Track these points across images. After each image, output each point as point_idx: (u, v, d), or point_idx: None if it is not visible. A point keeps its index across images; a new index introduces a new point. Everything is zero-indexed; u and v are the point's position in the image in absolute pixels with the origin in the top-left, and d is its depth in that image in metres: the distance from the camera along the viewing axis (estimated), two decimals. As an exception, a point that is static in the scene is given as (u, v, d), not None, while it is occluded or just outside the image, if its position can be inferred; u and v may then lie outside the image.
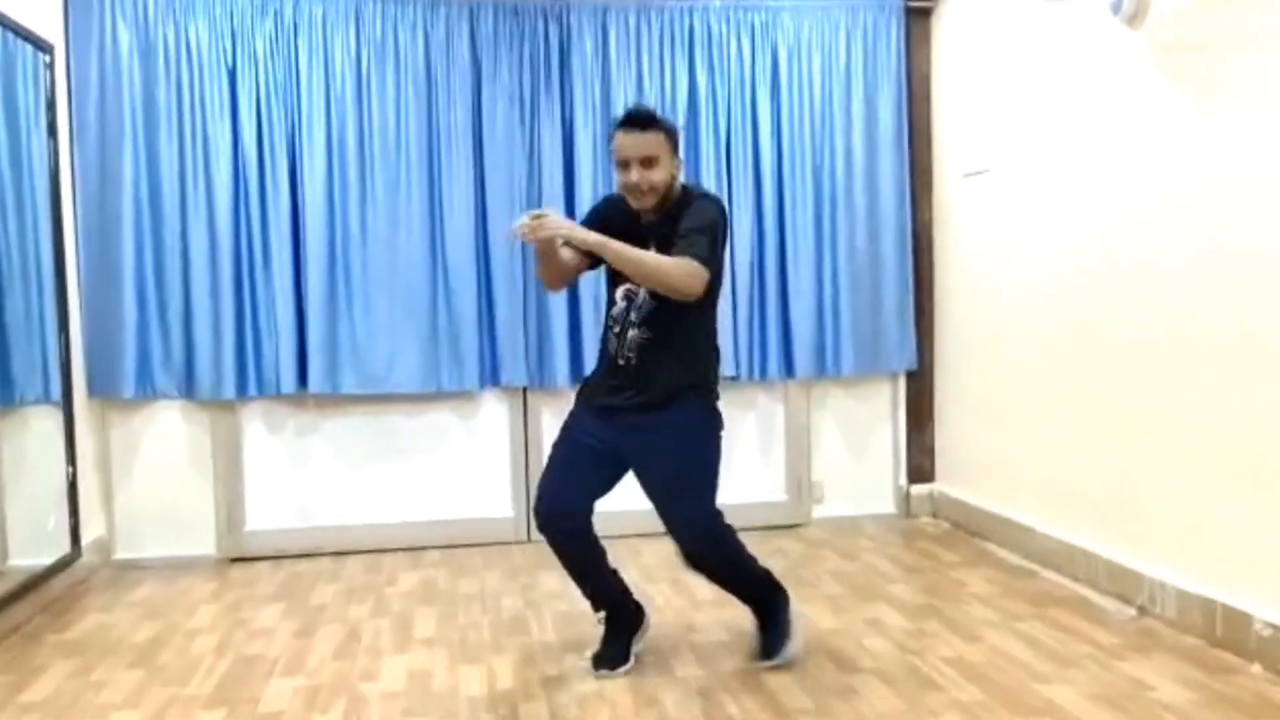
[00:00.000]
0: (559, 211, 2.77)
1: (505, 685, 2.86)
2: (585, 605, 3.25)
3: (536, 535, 4.31)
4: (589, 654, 2.97)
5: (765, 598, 2.97)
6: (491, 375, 4.35)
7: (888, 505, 4.76)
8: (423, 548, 4.34)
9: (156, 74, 4.05)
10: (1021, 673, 2.83)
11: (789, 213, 4.48)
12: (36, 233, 3.68)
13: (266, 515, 4.30)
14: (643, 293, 2.77)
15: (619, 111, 3.10)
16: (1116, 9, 3.30)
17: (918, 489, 4.74)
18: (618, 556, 2.95)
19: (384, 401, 4.33)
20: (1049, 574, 3.74)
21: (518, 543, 4.42)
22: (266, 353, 4.16)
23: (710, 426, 2.85)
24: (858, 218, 4.53)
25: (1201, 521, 3.09)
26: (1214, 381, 3.02)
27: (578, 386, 3.14)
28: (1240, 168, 2.90)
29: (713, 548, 2.84)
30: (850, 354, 4.55)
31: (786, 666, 2.91)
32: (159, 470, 4.21)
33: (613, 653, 2.92)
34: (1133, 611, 3.29)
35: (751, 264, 4.45)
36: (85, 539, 3.92)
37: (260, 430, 4.31)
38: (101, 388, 4.06)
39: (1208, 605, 3.02)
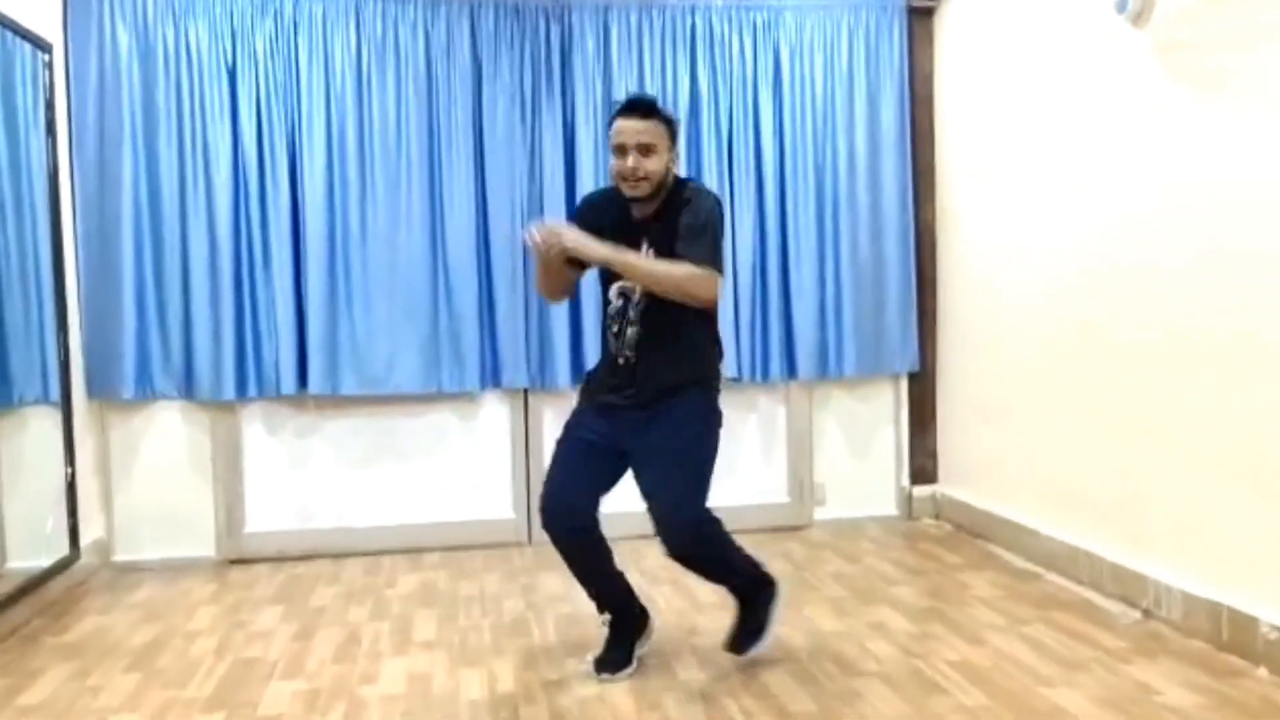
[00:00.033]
0: (565, 224, 2.75)
1: (506, 688, 2.84)
2: (587, 607, 3.23)
3: (538, 537, 4.34)
4: (590, 657, 2.95)
5: (749, 591, 2.94)
6: (492, 376, 4.33)
7: (890, 507, 4.74)
8: (423, 550, 4.32)
9: (156, 73, 4.03)
10: (1027, 677, 2.81)
11: (791, 213, 4.46)
12: (35, 233, 3.66)
13: (266, 517, 4.28)
14: (638, 290, 2.76)
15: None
16: (1121, 8, 3.28)
17: (920, 491, 4.72)
18: (620, 558, 2.92)
19: (384, 402, 4.31)
20: (1053, 576, 3.72)
21: (518, 545, 4.40)
22: (266, 353, 4.14)
23: (709, 420, 2.83)
24: (860, 218, 4.52)
25: (1207, 523, 3.07)
26: (1219, 382, 3.00)
27: (580, 384, 3.12)
28: (1244, 167, 2.88)
29: (698, 541, 2.77)
30: (852, 355, 4.53)
31: (768, 661, 2.90)
32: (158, 471, 4.19)
33: (615, 656, 2.90)
34: (1138, 614, 3.27)
35: (753, 264, 4.43)
36: (84, 540, 3.90)
37: (260, 431, 4.29)
38: (101, 388, 4.05)
39: (1214, 608, 3.00)
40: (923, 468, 4.71)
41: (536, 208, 4.28)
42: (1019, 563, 3.93)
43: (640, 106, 2.72)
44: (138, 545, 4.17)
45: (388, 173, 4.19)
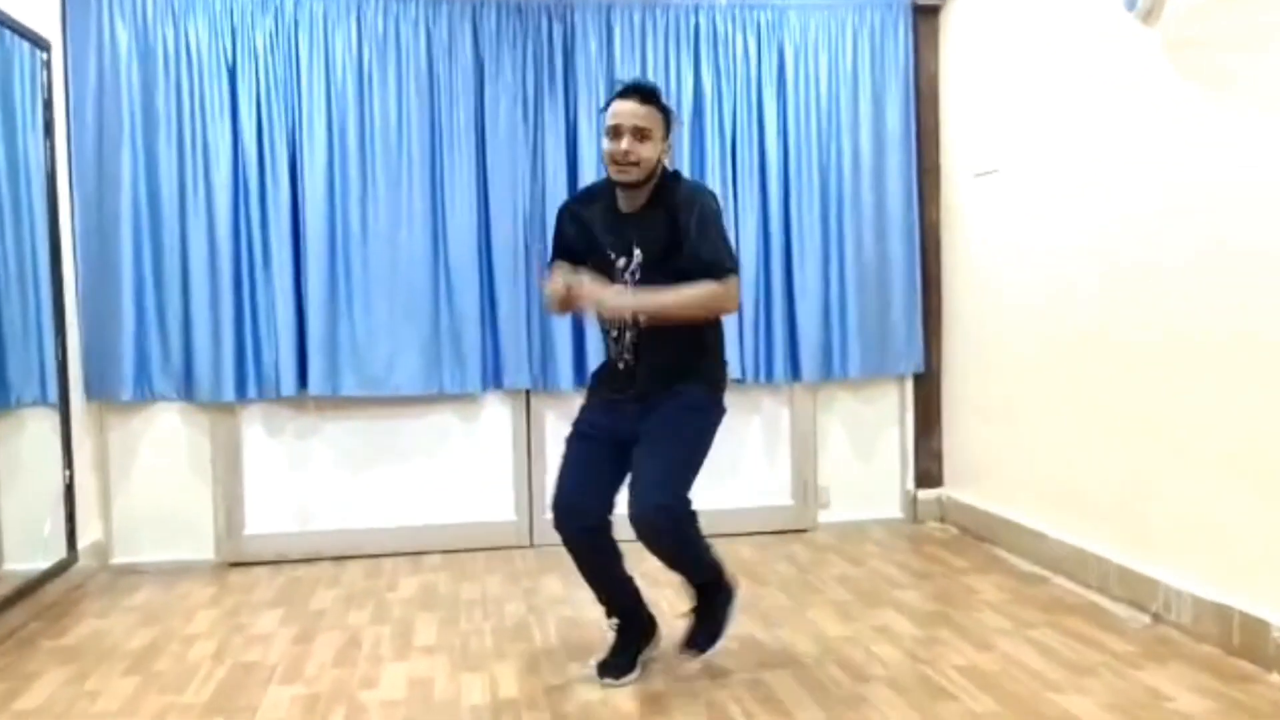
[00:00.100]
0: (595, 284, 2.71)
1: (508, 694, 2.81)
2: (589, 610, 3.20)
3: (539, 539, 4.34)
4: (593, 661, 2.92)
5: (709, 588, 2.88)
6: (494, 377, 4.30)
7: (894, 510, 4.70)
8: (424, 552, 4.28)
9: (155, 71, 4.01)
10: (1035, 682, 2.77)
11: (795, 213, 4.43)
12: (33, 233, 3.63)
13: (266, 519, 4.25)
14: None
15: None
16: (1130, 6, 3.24)
17: (925, 493, 4.68)
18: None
19: (385, 404, 4.28)
20: (1060, 580, 3.68)
21: (520, 547, 4.37)
22: (266, 354, 4.11)
23: (708, 412, 2.80)
24: (865, 218, 4.48)
25: (1216, 525, 3.03)
26: (1227, 382, 2.97)
27: (588, 383, 3.08)
28: (1253, 167, 2.85)
29: (668, 524, 2.68)
30: (857, 356, 4.50)
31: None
32: (157, 473, 4.16)
33: (620, 661, 2.86)
34: (1147, 619, 3.23)
35: (757, 264, 4.40)
36: (82, 543, 3.86)
37: (260, 433, 4.26)
38: (99, 390, 4.01)
39: (1224, 612, 2.97)
40: (928, 470, 4.68)
41: (539, 208, 4.25)
42: (1025, 566, 3.89)
43: (640, 90, 2.70)
44: (136, 548, 4.14)
45: (389, 172, 4.16)
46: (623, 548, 2.85)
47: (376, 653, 3.13)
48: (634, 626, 2.91)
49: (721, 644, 2.88)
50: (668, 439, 2.71)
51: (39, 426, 3.68)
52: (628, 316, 2.75)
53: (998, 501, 4.24)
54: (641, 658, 2.90)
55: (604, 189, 2.85)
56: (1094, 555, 3.55)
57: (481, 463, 4.41)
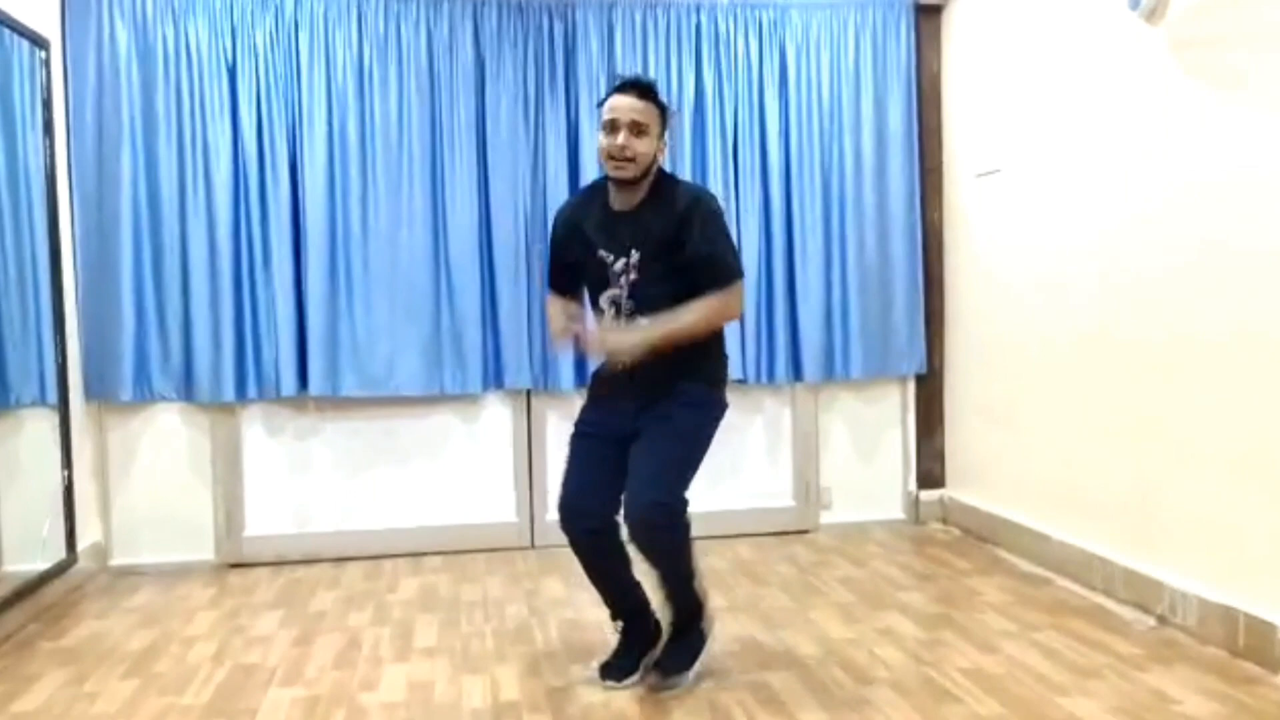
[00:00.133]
0: (613, 333, 2.74)
1: (510, 696, 2.79)
2: (591, 612, 3.19)
3: (540, 540, 4.32)
4: (595, 663, 2.90)
5: (690, 613, 2.83)
6: (495, 377, 4.28)
7: (897, 511, 4.69)
8: (424, 553, 4.27)
9: (155, 70, 3.99)
10: (1041, 685, 2.75)
11: (797, 213, 4.41)
12: (32, 233, 3.61)
13: (266, 520, 4.23)
14: (624, 300, 2.72)
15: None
16: (1134, 5, 3.23)
17: (927, 494, 4.66)
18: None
19: (385, 404, 4.27)
20: (1064, 582, 3.66)
21: (521, 548, 4.35)
22: (266, 354, 4.10)
23: (708, 410, 2.77)
24: (867, 218, 4.47)
25: (1222, 527, 3.02)
26: (1234, 383, 2.95)
27: (588, 382, 3.06)
28: (1261, 166, 2.83)
29: (663, 521, 2.65)
30: (859, 357, 4.48)
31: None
32: (157, 474, 4.15)
33: (623, 664, 2.84)
34: (1152, 621, 3.22)
35: (759, 265, 4.38)
36: (81, 544, 3.85)
37: (260, 433, 4.24)
38: (99, 390, 4.00)
39: (1230, 614, 2.95)
40: (930, 471, 4.66)
41: (540, 207, 4.23)
42: (1029, 568, 3.88)
43: (638, 85, 2.69)
44: (136, 549, 4.12)
45: (389, 172, 4.14)
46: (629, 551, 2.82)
47: (376, 655, 3.12)
48: (638, 630, 2.89)
49: (691, 677, 2.79)
50: (665, 436, 2.69)
51: (38, 427, 3.66)
52: (622, 321, 2.73)
53: (1000, 502, 4.22)
54: (645, 661, 2.87)
55: (598, 190, 2.84)
56: (1098, 557, 3.54)
57: (482, 463, 4.39)
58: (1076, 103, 3.64)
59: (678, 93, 4.32)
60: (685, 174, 4.29)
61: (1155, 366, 3.27)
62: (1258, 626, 2.85)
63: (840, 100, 4.44)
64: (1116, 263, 3.45)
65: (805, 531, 4.54)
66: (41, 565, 3.57)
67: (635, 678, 2.82)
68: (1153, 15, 3.19)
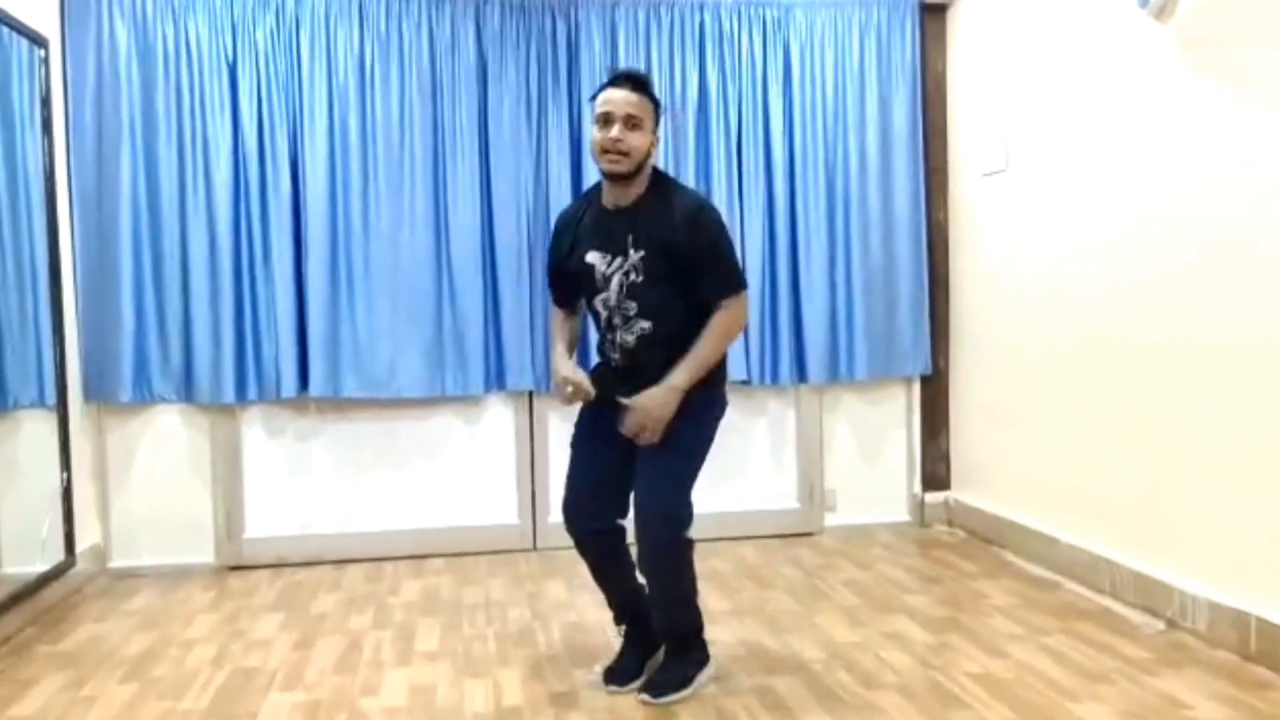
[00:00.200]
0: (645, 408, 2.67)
1: (512, 701, 2.75)
2: (594, 615, 3.16)
3: (543, 543, 4.29)
4: (599, 667, 2.88)
5: (685, 635, 2.79)
6: (497, 378, 4.25)
7: (902, 513, 4.65)
8: (426, 556, 4.23)
9: (155, 69, 3.96)
10: (1050, 689, 2.72)
11: (801, 213, 4.38)
12: (31, 233, 3.59)
13: (266, 522, 4.20)
14: (615, 300, 2.68)
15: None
16: (1143, 3, 3.19)
17: (932, 496, 4.63)
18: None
19: (386, 406, 4.24)
20: (1072, 585, 3.63)
21: (523, 550, 4.32)
22: (266, 355, 4.07)
23: (706, 410, 2.74)
24: (871, 218, 4.43)
25: (1232, 529, 2.98)
26: (1243, 384, 2.92)
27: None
28: (1273, 164, 2.80)
29: (671, 532, 2.64)
30: (864, 358, 4.44)
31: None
32: (156, 476, 4.12)
33: (627, 667, 2.81)
34: (1161, 624, 3.18)
35: (763, 265, 4.35)
36: (80, 546, 3.82)
37: (260, 435, 4.21)
38: (98, 391, 3.97)
39: (1240, 617, 2.92)
40: (935, 473, 4.63)
41: (542, 208, 4.20)
42: (1036, 570, 3.84)
43: (632, 78, 2.65)
44: (135, 551, 4.09)
45: (391, 172, 4.12)
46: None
47: (378, 658, 3.09)
48: (642, 633, 2.86)
49: (675, 698, 2.71)
50: (667, 446, 2.66)
51: (36, 428, 3.63)
52: (616, 320, 2.72)
53: (1006, 505, 4.19)
54: (648, 665, 2.84)
55: (591, 194, 2.82)
56: (1106, 560, 3.50)
57: (484, 465, 4.36)
58: (1083, 101, 3.61)
59: (681, 92, 4.29)
60: (689, 173, 4.26)
61: (1164, 367, 3.23)
62: (1269, 630, 2.82)
63: (845, 99, 4.41)
64: (1123, 263, 3.42)
65: (809, 534, 4.50)
66: (40, 567, 3.54)
67: (639, 682, 2.78)
68: (1162, 13, 3.16)
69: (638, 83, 2.65)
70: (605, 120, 2.61)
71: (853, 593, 3.65)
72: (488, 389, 4.25)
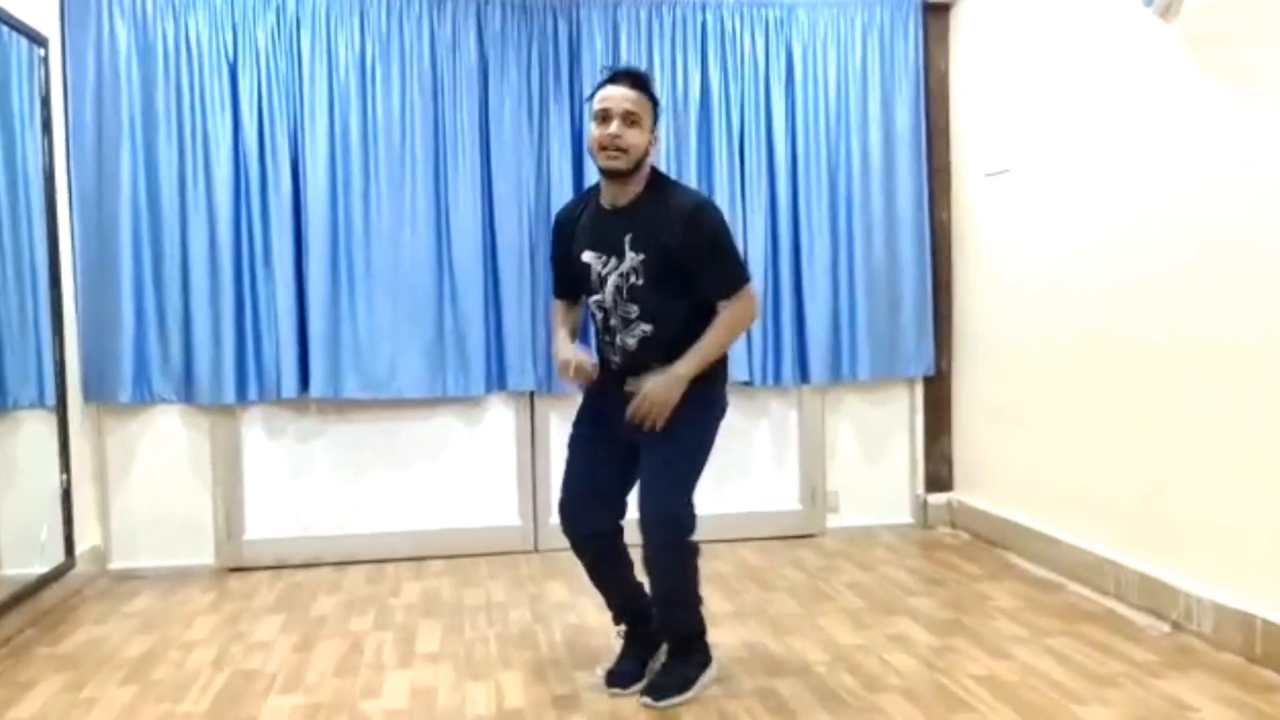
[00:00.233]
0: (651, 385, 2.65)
1: (514, 703, 2.74)
2: (596, 617, 3.14)
3: (544, 544, 4.27)
4: (601, 670, 2.86)
5: (687, 639, 2.77)
6: (498, 379, 4.24)
7: (904, 515, 4.64)
8: (427, 557, 4.21)
9: (155, 68, 3.95)
10: (1055, 692, 2.70)
11: (804, 213, 4.36)
12: (31, 232, 3.57)
13: (266, 523, 4.18)
14: (612, 302, 2.67)
15: None
16: (1149, 1, 3.18)
17: (935, 498, 4.61)
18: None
19: (387, 406, 4.22)
20: (1076, 587, 3.61)
21: (525, 552, 4.30)
22: (267, 355, 4.05)
23: (706, 410, 2.72)
24: (874, 218, 4.42)
25: (1238, 531, 2.96)
26: (1249, 384, 2.90)
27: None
28: (1275, 164, 2.78)
29: (674, 540, 2.63)
30: (866, 358, 4.43)
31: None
32: (156, 477, 4.10)
33: (628, 669, 2.80)
34: (1166, 627, 3.16)
35: (765, 266, 4.33)
36: (79, 548, 3.80)
37: (260, 436, 4.19)
38: (98, 391, 3.95)
39: (1246, 620, 2.90)
40: (938, 474, 4.61)
41: (544, 208, 4.19)
42: (1040, 572, 3.82)
43: (630, 75, 2.64)
44: (135, 553, 4.07)
45: (392, 172, 4.10)
46: (632, 553, 2.79)
47: (379, 661, 3.07)
48: (642, 633, 2.84)
49: (677, 701, 2.69)
50: (671, 451, 2.65)
51: (36, 429, 3.61)
52: (613, 321, 2.70)
53: (1010, 506, 4.17)
54: (650, 666, 2.82)
55: (591, 193, 2.80)
56: (1110, 561, 3.48)
57: (485, 466, 4.34)
58: (1088, 101, 3.59)
59: (683, 92, 4.28)
60: (690, 173, 4.25)
61: (1168, 367, 3.22)
62: (1276, 633, 2.80)
63: (847, 99, 4.40)
64: (1127, 263, 3.40)
65: (812, 535, 4.48)
66: (39, 569, 3.53)
67: (641, 684, 2.77)
68: (1167, 12, 3.14)
69: (637, 79, 2.63)
70: (603, 117, 2.59)
71: (855, 595, 3.63)
72: (489, 390, 4.23)
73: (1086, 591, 3.55)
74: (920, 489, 4.63)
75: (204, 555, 4.12)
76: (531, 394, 4.32)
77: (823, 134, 4.37)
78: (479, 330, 4.16)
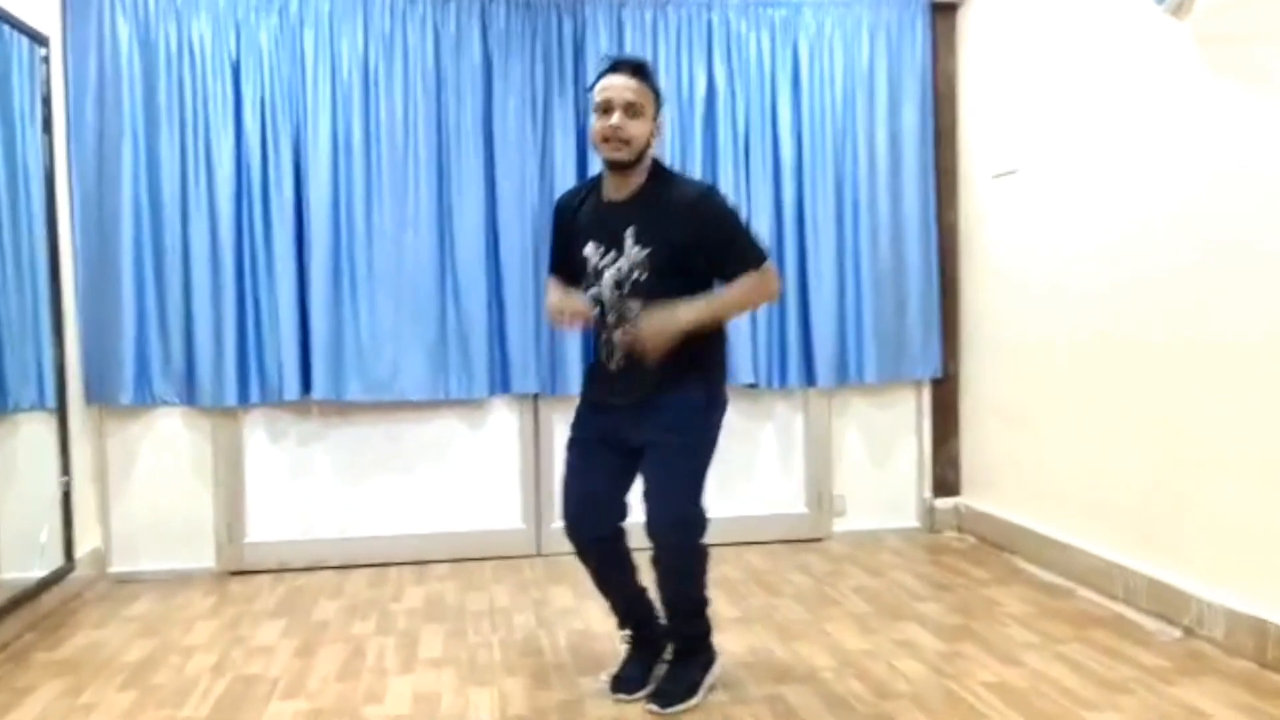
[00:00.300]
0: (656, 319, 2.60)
1: (517, 709, 2.70)
2: (600, 622, 3.11)
3: (548, 548, 4.24)
4: (605, 675, 2.82)
5: (693, 643, 2.75)
6: (501, 381, 4.21)
7: (911, 519, 4.60)
8: (430, 561, 4.18)
9: (157, 68, 3.92)
10: (1067, 699, 2.67)
11: (809, 214, 4.33)
12: (31, 233, 3.54)
13: (268, 527, 4.16)
14: (609, 296, 2.63)
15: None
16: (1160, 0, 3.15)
17: (942, 502, 4.57)
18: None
19: (390, 409, 4.19)
20: (1086, 592, 3.57)
21: (528, 556, 4.27)
22: (269, 357, 4.02)
23: (707, 411, 2.68)
24: (881, 220, 4.39)
25: (1250, 535, 2.93)
26: (1261, 386, 2.87)
27: (582, 382, 2.98)
28: (1295, 164, 2.75)
29: (686, 542, 2.61)
30: (873, 361, 4.39)
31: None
32: (157, 480, 4.07)
33: (632, 674, 2.76)
34: (1178, 632, 3.13)
35: (771, 267, 4.30)
36: (80, 551, 3.77)
37: (262, 438, 4.16)
38: (99, 394, 3.92)
39: (1259, 625, 2.86)
40: (945, 478, 4.57)
41: (548, 209, 4.10)
42: (1049, 578, 3.78)
43: (631, 65, 2.60)
44: (135, 556, 4.05)
45: (395, 173, 4.07)
46: (635, 558, 2.76)
47: (381, 665, 3.04)
48: (646, 638, 2.81)
49: (683, 708, 2.66)
50: (674, 450, 2.61)
51: (36, 431, 3.59)
52: (610, 318, 2.65)
53: (1018, 510, 4.13)
54: (655, 672, 2.79)
55: (594, 182, 2.76)
56: (1120, 566, 3.45)
57: (488, 469, 4.31)
58: (1097, 100, 3.56)
59: (689, 92, 4.25)
60: (696, 173, 4.21)
61: (1178, 369, 3.18)
62: (1290, 639, 2.77)
63: (854, 100, 4.37)
64: (1136, 264, 3.36)
65: (818, 539, 4.45)
66: (39, 572, 3.50)
67: (645, 690, 2.73)
68: (1179, 10, 3.11)
69: (638, 69, 2.59)
70: (605, 108, 2.55)
71: (863, 600, 3.59)
72: (492, 392, 4.20)
73: (1096, 596, 3.52)
74: (927, 493, 4.59)
75: (205, 559, 4.10)
76: (535, 396, 4.28)
77: (829, 135, 4.34)
78: (482, 332, 4.13)
